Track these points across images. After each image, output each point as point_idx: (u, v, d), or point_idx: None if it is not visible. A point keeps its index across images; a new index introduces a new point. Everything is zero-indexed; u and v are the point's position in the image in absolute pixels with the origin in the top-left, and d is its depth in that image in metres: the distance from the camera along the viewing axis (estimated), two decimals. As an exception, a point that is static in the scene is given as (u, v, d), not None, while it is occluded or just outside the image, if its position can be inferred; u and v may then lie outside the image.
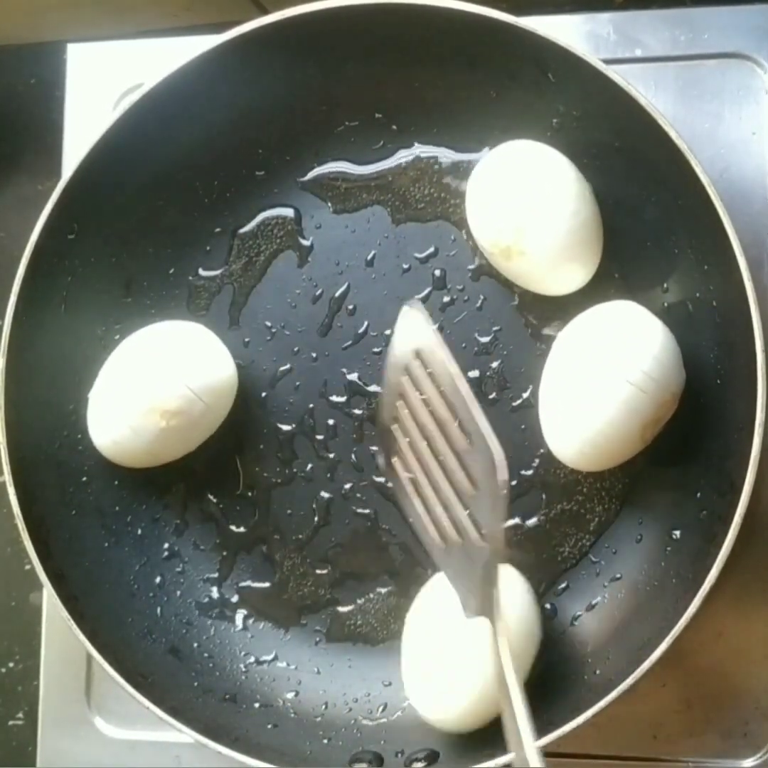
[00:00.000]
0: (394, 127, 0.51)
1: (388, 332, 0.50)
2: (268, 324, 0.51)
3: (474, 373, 0.49)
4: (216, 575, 0.51)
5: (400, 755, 0.46)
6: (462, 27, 0.45)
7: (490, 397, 0.49)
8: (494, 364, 0.50)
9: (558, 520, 0.49)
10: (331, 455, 0.51)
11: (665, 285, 0.47)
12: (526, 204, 0.45)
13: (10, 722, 0.58)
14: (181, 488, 0.52)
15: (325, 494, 0.51)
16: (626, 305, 0.45)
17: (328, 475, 0.51)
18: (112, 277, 0.51)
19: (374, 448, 0.50)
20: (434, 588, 0.46)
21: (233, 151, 0.51)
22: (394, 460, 0.41)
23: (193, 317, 0.52)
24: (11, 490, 0.47)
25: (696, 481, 0.46)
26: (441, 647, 0.45)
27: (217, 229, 0.52)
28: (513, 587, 0.46)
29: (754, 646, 0.48)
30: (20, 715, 0.58)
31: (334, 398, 0.51)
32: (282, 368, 0.51)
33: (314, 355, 0.51)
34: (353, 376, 0.51)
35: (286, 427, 0.51)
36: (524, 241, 0.45)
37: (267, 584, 0.51)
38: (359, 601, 0.50)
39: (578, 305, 0.47)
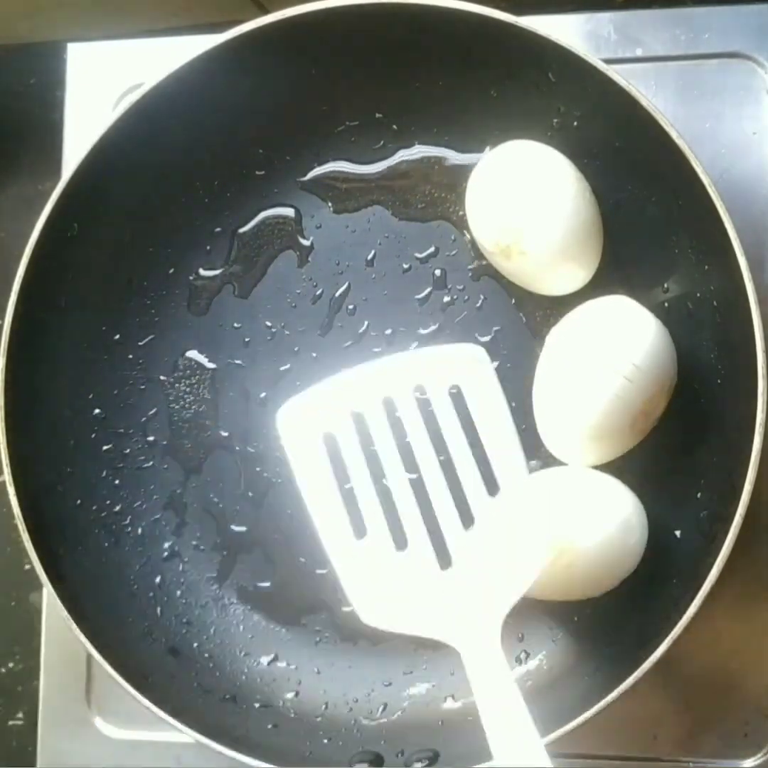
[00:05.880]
0: (395, 127, 0.51)
1: (388, 332, 0.50)
2: (268, 324, 0.51)
3: (474, 373, 0.49)
4: (216, 575, 0.51)
5: (400, 755, 0.46)
6: (462, 27, 0.45)
7: (490, 397, 0.49)
8: (494, 364, 0.49)
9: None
10: (331, 455, 0.51)
11: (665, 285, 0.47)
12: (526, 204, 0.45)
13: (10, 722, 0.58)
14: (181, 488, 0.52)
15: (325, 494, 0.51)
16: (617, 299, 0.45)
17: (328, 475, 0.51)
18: (112, 277, 0.51)
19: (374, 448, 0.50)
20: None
21: (233, 150, 0.51)
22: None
23: (194, 317, 0.52)
24: (11, 490, 0.47)
25: (696, 482, 0.45)
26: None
27: (217, 229, 0.52)
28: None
29: (754, 647, 0.48)
30: (20, 715, 0.58)
31: (335, 398, 0.51)
32: (282, 368, 0.51)
33: (314, 355, 0.51)
34: (353, 376, 0.50)
35: (286, 427, 0.51)
36: (524, 241, 0.45)
37: (267, 584, 0.51)
38: (359, 601, 0.50)
39: (578, 305, 0.47)
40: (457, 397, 0.38)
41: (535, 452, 0.48)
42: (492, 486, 0.38)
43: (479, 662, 0.36)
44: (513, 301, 0.50)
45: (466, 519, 0.38)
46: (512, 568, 0.37)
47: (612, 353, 0.43)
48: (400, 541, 0.38)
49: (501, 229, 0.46)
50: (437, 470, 0.38)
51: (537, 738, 0.34)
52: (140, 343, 0.52)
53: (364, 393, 0.38)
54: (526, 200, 0.45)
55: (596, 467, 0.46)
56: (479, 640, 0.36)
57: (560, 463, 0.47)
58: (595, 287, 0.47)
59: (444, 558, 0.38)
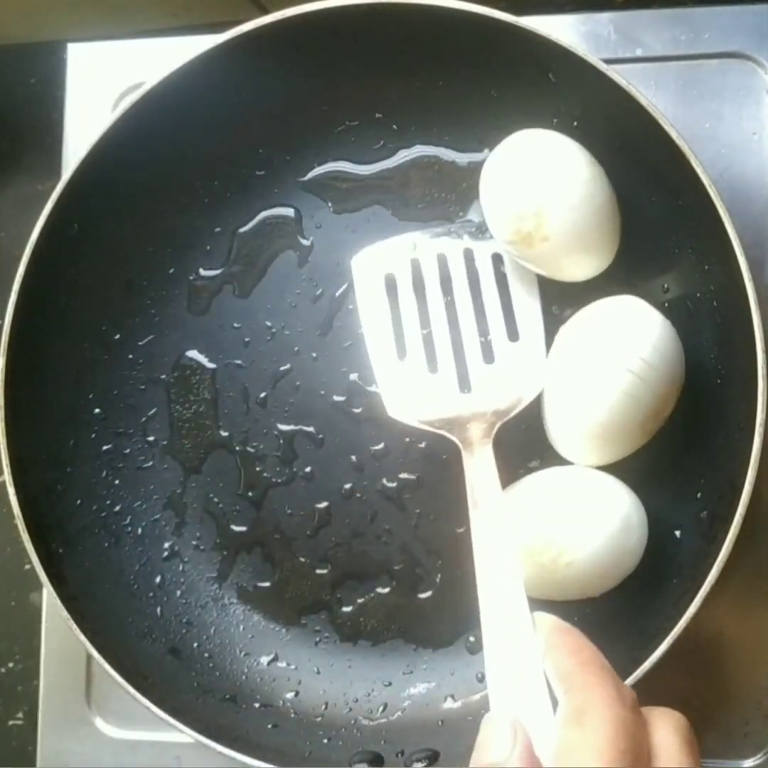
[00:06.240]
0: (395, 126, 0.51)
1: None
2: (268, 324, 0.51)
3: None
4: (216, 575, 0.51)
5: (400, 755, 0.46)
6: (462, 27, 0.45)
7: (491, 397, 0.49)
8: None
9: (558, 520, 0.49)
10: (331, 455, 0.51)
11: (665, 285, 0.47)
12: (545, 190, 0.44)
13: (10, 722, 0.58)
14: (181, 488, 0.52)
15: (325, 494, 0.51)
16: (626, 299, 0.45)
17: (328, 475, 0.51)
18: (112, 277, 0.51)
19: (375, 447, 0.50)
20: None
21: (233, 151, 0.51)
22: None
23: (193, 317, 0.52)
24: (11, 490, 0.47)
25: (696, 482, 0.46)
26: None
27: (217, 229, 0.52)
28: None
29: (754, 646, 0.48)
30: (20, 715, 0.58)
31: (335, 398, 0.51)
32: (282, 368, 0.51)
33: (314, 355, 0.51)
34: (354, 376, 0.51)
35: (286, 427, 0.51)
36: (546, 226, 0.44)
37: (267, 584, 0.51)
38: (359, 601, 0.50)
39: (579, 305, 0.47)
40: (498, 264, 0.48)
41: (536, 452, 0.48)
42: (513, 334, 0.47)
43: (473, 458, 0.44)
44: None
45: (489, 357, 0.47)
46: (513, 398, 0.46)
47: (623, 351, 0.43)
48: (433, 366, 0.47)
49: (521, 217, 0.45)
50: (471, 315, 0.47)
51: (510, 524, 0.41)
52: (140, 343, 0.52)
53: (424, 247, 0.48)
54: (544, 186, 0.44)
55: (596, 466, 0.46)
56: (476, 440, 0.45)
57: (561, 463, 0.47)
58: (596, 288, 0.47)
59: (466, 385, 0.46)
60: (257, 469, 0.51)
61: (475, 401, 0.46)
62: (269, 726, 0.48)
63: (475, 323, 0.47)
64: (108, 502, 0.51)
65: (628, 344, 0.43)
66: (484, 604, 0.39)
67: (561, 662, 0.35)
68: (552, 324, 0.47)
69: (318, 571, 0.51)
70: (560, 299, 0.48)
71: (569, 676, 0.34)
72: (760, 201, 0.49)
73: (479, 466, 0.44)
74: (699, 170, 0.42)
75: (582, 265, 0.47)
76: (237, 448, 0.51)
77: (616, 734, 0.31)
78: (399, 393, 0.47)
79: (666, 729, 0.33)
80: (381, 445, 0.50)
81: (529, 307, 0.47)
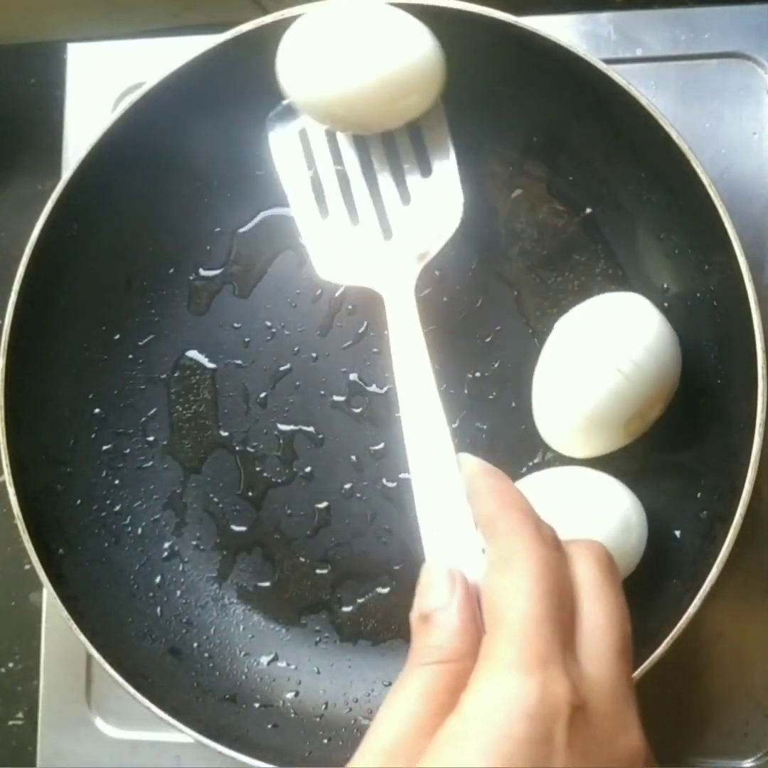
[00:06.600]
0: (394, 126, 0.51)
1: (387, 332, 0.50)
2: (268, 324, 0.51)
3: (475, 373, 0.49)
4: (216, 575, 0.51)
5: (400, 755, 0.46)
6: (462, 27, 0.45)
7: (490, 397, 0.49)
8: (495, 364, 0.50)
9: (558, 520, 0.49)
10: (331, 455, 0.51)
11: (665, 285, 0.47)
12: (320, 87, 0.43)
13: (10, 722, 0.58)
14: (181, 488, 0.52)
15: (325, 494, 0.51)
16: (627, 296, 0.45)
17: (328, 475, 0.51)
18: (112, 277, 0.51)
19: (375, 447, 0.50)
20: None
21: (234, 150, 0.51)
22: None
23: (194, 317, 0.52)
24: (11, 490, 0.47)
25: (696, 482, 0.46)
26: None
27: (217, 229, 0.52)
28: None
29: (754, 646, 0.48)
30: (20, 715, 0.58)
31: (335, 398, 0.51)
32: (282, 368, 0.51)
33: (314, 354, 0.51)
34: (353, 376, 0.51)
35: (286, 427, 0.51)
36: (351, 119, 0.44)
37: (267, 584, 0.51)
38: (359, 601, 0.50)
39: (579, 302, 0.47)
40: None
41: (535, 453, 0.48)
42: (425, 169, 0.46)
43: (398, 306, 0.45)
44: (513, 300, 0.50)
45: (405, 198, 0.46)
46: (431, 237, 0.46)
47: (614, 349, 0.43)
48: (354, 218, 0.47)
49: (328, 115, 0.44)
50: (384, 158, 0.46)
51: (431, 372, 0.42)
52: (140, 343, 0.52)
53: None
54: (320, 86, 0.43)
55: (597, 467, 0.46)
56: (399, 286, 0.45)
57: (560, 463, 0.47)
58: (595, 286, 0.47)
59: (387, 231, 0.46)
60: (257, 469, 0.51)
61: (396, 246, 0.46)
62: (269, 726, 0.48)
63: (388, 167, 0.46)
64: (108, 502, 0.51)
65: (624, 344, 0.43)
66: (411, 455, 0.40)
67: (484, 506, 0.35)
68: (551, 322, 0.48)
69: (318, 571, 0.51)
70: (562, 297, 0.48)
71: (492, 521, 0.34)
72: (760, 201, 0.49)
73: (403, 314, 0.44)
74: (699, 170, 0.42)
75: (408, 111, 0.44)
76: (237, 448, 0.51)
77: (541, 575, 0.32)
78: (326, 253, 0.47)
79: (586, 562, 0.34)
80: (381, 445, 0.50)
81: (439, 141, 0.46)
